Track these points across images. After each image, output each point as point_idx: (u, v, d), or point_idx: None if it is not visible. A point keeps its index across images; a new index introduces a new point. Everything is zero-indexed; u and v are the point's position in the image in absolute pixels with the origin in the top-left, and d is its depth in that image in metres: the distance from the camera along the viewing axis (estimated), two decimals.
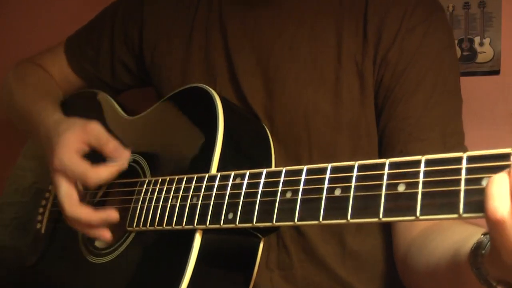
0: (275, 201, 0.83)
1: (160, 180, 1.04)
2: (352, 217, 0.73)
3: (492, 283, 0.68)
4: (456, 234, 0.84)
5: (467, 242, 0.74)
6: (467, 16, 1.53)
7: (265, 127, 1.16)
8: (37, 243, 1.29)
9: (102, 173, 1.07)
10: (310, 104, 1.13)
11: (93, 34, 1.43)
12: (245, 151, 1.11)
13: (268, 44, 1.18)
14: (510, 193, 0.58)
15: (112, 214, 1.07)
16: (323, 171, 0.78)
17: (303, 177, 0.81)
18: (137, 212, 1.06)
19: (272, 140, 1.15)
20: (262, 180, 0.86)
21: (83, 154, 1.10)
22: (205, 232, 0.95)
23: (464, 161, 0.65)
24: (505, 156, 0.62)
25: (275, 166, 1.09)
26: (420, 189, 0.67)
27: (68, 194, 1.08)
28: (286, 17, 1.18)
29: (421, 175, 0.68)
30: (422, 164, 0.68)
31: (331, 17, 1.15)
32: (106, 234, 1.09)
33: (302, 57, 1.16)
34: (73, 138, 1.10)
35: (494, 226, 0.60)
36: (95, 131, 1.11)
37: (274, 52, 1.17)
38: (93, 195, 1.22)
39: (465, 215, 0.63)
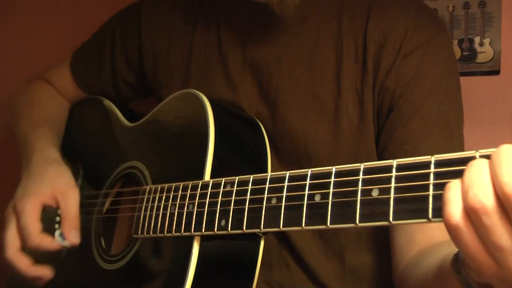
0: (261, 208, 0.84)
1: (159, 188, 1.06)
2: (331, 223, 0.74)
3: (473, 285, 0.68)
4: (446, 249, 0.83)
5: (453, 251, 0.74)
6: (467, 16, 1.52)
7: (262, 128, 1.17)
8: (56, 252, 1.32)
9: (43, 245, 1.12)
10: (310, 134, 1.13)
11: (95, 52, 1.45)
12: (239, 154, 1.12)
13: (268, 72, 1.18)
14: (462, 199, 0.58)
15: (46, 275, 1.14)
16: (304, 177, 0.79)
17: (286, 183, 0.82)
18: (141, 220, 1.08)
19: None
20: (250, 187, 0.88)
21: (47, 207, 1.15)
22: (204, 236, 0.97)
23: (432, 165, 0.65)
24: (471, 159, 0.61)
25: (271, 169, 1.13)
26: (392, 195, 0.68)
27: (12, 239, 1.13)
28: (285, 44, 1.17)
29: (393, 180, 0.68)
30: (394, 169, 0.69)
31: (330, 44, 1.14)
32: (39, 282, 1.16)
33: (302, 85, 1.15)
34: (48, 194, 1.15)
35: (451, 232, 0.60)
36: (70, 200, 1.16)
37: (273, 79, 1.17)
38: (102, 204, 1.25)
39: (434, 219, 0.64)
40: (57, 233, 1.14)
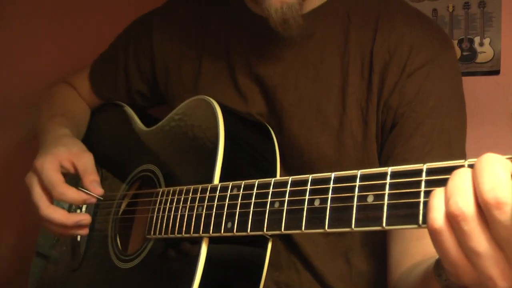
0: (265, 211, 0.88)
1: (171, 191, 1.10)
2: (329, 227, 0.77)
3: None
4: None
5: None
6: (467, 16, 1.52)
7: (271, 133, 1.20)
8: (75, 249, 1.36)
9: (68, 194, 1.15)
10: (314, 149, 1.15)
11: (110, 65, 1.49)
12: (248, 159, 1.15)
13: (273, 85, 1.20)
14: (444, 206, 0.61)
15: (85, 218, 1.16)
16: (305, 182, 0.83)
17: (288, 188, 0.85)
18: (154, 221, 1.12)
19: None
20: (255, 191, 0.91)
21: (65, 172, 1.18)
22: (212, 238, 1.00)
23: (424, 173, 0.68)
24: (460, 168, 0.64)
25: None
26: (386, 201, 0.71)
27: (42, 198, 1.16)
28: (291, 58, 1.19)
29: (387, 187, 0.71)
30: (388, 176, 0.72)
31: (336, 59, 1.16)
32: (83, 231, 1.18)
33: (307, 99, 1.17)
34: (65, 154, 1.18)
35: (433, 236, 0.63)
36: (86, 159, 1.19)
37: (278, 92, 1.19)
38: (118, 205, 1.29)
39: (423, 225, 0.66)
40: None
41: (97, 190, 1.17)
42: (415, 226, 0.68)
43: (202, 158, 1.10)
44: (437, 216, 0.62)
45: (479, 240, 0.60)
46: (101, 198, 1.18)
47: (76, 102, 1.53)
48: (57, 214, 1.14)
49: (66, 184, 1.15)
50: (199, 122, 1.16)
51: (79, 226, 1.16)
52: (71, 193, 1.15)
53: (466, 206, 0.60)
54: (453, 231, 0.62)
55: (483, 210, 0.59)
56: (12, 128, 1.99)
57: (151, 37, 1.39)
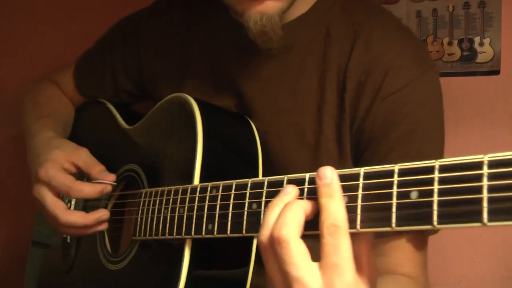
0: (243, 213, 0.86)
1: (154, 192, 1.09)
2: (305, 229, 0.74)
3: None
4: None
5: None
6: (467, 16, 1.52)
7: (253, 128, 1.17)
8: (66, 250, 1.35)
9: (85, 189, 1.13)
10: (289, 164, 1.14)
11: (96, 63, 1.47)
12: (229, 155, 1.14)
13: (252, 97, 1.18)
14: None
15: (104, 213, 1.16)
16: (281, 183, 0.81)
17: (265, 189, 0.83)
18: (138, 222, 1.11)
19: None
20: (233, 193, 0.89)
21: (69, 173, 1.16)
22: (195, 239, 0.99)
23: (396, 175, 0.67)
24: (431, 169, 0.64)
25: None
26: (359, 203, 0.70)
27: (56, 203, 1.14)
28: (271, 71, 1.17)
29: (361, 188, 0.70)
30: (361, 177, 0.71)
31: (314, 74, 1.13)
32: (102, 226, 1.17)
33: (284, 112, 1.15)
34: (62, 157, 1.16)
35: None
36: (83, 155, 1.18)
37: (256, 104, 1.18)
38: (105, 205, 1.28)
39: (397, 228, 0.66)
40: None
41: (109, 177, 1.17)
42: (389, 228, 0.67)
43: (182, 157, 1.09)
44: (263, 233, 0.74)
45: (266, 262, 0.74)
46: (115, 183, 1.19)
47: (61, 101, 1.51)
48: (77, 217, 1.14)
49: (79, 181, 1.15)
50: (177, 120, 1.15)
51: (99, 222, 1.16)
52: (88, 188, 1.14)
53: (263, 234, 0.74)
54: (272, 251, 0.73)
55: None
56: (5, 124, 1.99)
57: (139, 39, 1.36)
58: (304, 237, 0.72)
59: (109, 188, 1.17)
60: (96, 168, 1.17)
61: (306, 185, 0.78)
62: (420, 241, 1.10)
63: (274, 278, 0.73)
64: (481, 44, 1.51)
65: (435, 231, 1.07)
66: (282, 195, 0.76)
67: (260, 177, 1.13)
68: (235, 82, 1.20)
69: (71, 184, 1.13)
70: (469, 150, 1.52)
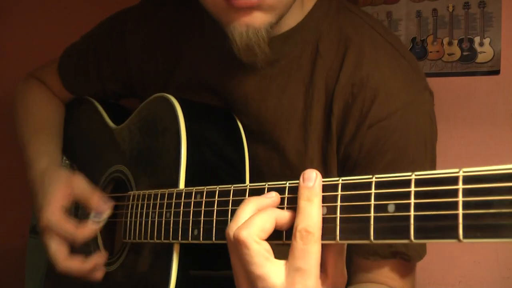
0: (227, 220, 0.85)
1: (141, 195, 1.08)
2: (287, 238, 0.75)
3: None
4: None
5: None
6: (467, 16, 1.50)
7: (237, 120, 1.15)
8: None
9: (88, 231, 1.13)
10: (275, 179, 1.11)
11: (81, 62, 1.43)
12: (214, 155, 1.12)
13: (236, 110, 1.15)
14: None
15: (99, 260, 1.15)
16: (262, 191, 0.80)
17: (247, 196, 0.82)
18: (128, 226, 1.11)
19: None
20: (216, 199, 0.88)
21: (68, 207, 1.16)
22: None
23: (373, 186, 0.66)
24: (408, 182, 0.63)
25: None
26: (338, 214, 0.69)
27: (58, 251, 1.14)
28: (254, 84, 1.12)
29: (339, 199, 0.69)
30: (339, 188, 0.70)
31: (300, 92, 1.09)
32: (97, 276, 1.17)
33: (267, 131, 1.11)
34: (58, 194, 1.15)
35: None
36: (80, 185, 1.16)
37: (238, 116, 1.15)
38: None
39: (375, 241, 0.65)
40: (91, 216, 1.16)
41: (108, 205, 1.16)
42: (367, 241, 0.66)
43: (166, 159, 1.08)
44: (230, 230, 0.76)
45: (233, 260, 0.78)
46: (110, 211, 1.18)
47: (52, 104, 1.48)
48: (74, 265, 1.14)
49: (81, 226, 1.14)
50: (160, 121, 1.13)
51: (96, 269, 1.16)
52: (90, 230, 1.14)
53: (231, 231, 0.75)
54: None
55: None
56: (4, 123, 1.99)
57: (125, 42, 1.33)
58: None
59: (109, 213, 1.16)
60: (93, 199, 1.15)
61: (286, 195, 0.77)
62: (406, 267, 1.06)
63: (238, 272, 0.76)
64: (481, 44, 1.50)
65: (420, 256, 1.05)
66: (262, 196, 0.78)
67: (247, 179, 1.13)
68: (220, 93, 1.17)
69: (75, 233, 1.13)
70: (469, 150, 1.51)
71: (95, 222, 1.15)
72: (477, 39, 1.50)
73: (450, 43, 1.53)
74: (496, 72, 1.48)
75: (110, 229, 1.28)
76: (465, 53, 1.52)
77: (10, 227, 2.05)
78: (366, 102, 1.02)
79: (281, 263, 0.72)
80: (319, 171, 1.03)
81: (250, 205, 0.76)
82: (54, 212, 1.14)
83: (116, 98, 1.47)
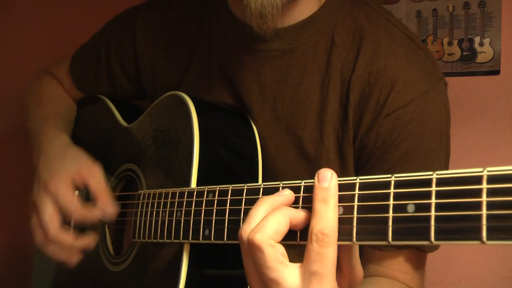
0: (239, 220, 0.85)
1: (152, 194, 1.08)
2: (301, 239, 0.75)
3: None
4: None
5: None
6: (467, 16, 1.51)
7: (254, 128, 1.15)
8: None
9: (89, 216, 1.13)
10: (289, 172, 1.11)
11: (92, 61, 1.43)
12: (226, 155, 1.12)
13: (249, 102, 1.15)
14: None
15: (92, 241, 1.16)
16: (276, 190, 0.79)
17: (261, 196, 0.82)
18: (137, 225, 1.10)
19: None
20: (229, 198, 0.88)
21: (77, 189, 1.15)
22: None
23: (392, 186, 0.66)
24: (428, 181, 0.62)
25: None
26: (355, 214, 0.68)
27: (53, 218, 1.12)
28: (269, 75, 1.13)
29: (356, 199, 0.69)
30: (357, 188, 0.69)
31: (316, 82, 1.09)
32: (74, 259, 1.16)
33: (284, 121, 1.11)
34: (76, 171, 1.15)
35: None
36: (97, 176, 1.16)
37: (254, 111, 1.15)
38: None
39: (393, 242, 0.64)
40: None
41: (112, 209, 1.15)
42: (385, 242, 0.66)
43: (179, 157, 1.07)
44: (244, 230, 0.75)
45: (245, 262, 0.76)
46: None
47: (64, 99, 1.49)
48: (65, 237, 1.12)
49: (82, 207, 1.13)
50: (173, 119, 1.13)
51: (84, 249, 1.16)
52: (91, 215, 1.13)
53: (244, 233, 0.74)
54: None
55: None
56: (4, 122, 1.98)
57: (135, 39, 1.33)
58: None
59: (108, 218, 1.16)
60: (104, 196, 1.15)
61: (302, 194, 0.76)
62: (419, 258, 1.08)
63: (251, 274, 0.75)
64: (481, 44, 1.51)
65: (435, 247, 1.05)
66: (275, 195, 0.76)
67: (260, 179, 1.13)
68: (235, 85, 1.17)
69: (74, 211, 1.12)
70: (469, 150, 1.52)
71: (95, 215, 1.14)
72: (477, 39, 1.51)
73: (450, 43, 1.54)
74: (496, 72, 1.49)
75: (119, 228, 1.29)
76: (465, 53, 1.53)
77: (10, 227, 2.05)
78: (383, 91, 1.03)
79: (296, 266, 0.71)
80: (335, 161, 1.07)
81: (264, 205, 0.75)
82: (66, 182, 1.13)
83: (127, 98, 1.47)
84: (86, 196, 1.17)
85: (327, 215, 0.68)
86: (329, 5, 1.10)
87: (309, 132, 1.10)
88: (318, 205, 0.70)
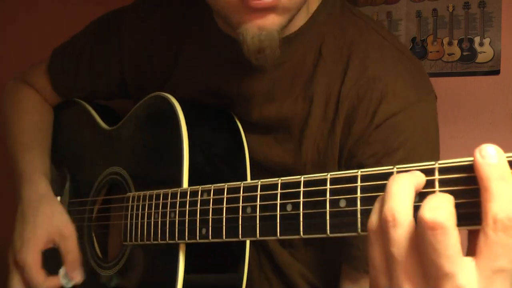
0: (238, 218, 0.84)
1: (142, 196, 1.06)
2: (304, 233, 0.74)
3: None
4: None
5: None
6: (467, 16, 1.50)
7: (236, 120, 1.14)
8: (54, 254, 1.30)
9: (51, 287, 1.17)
10: (281, 174, 1.10)
11: (73, 60, 1.39)
12: (216, 157, 1.11)
13: (236, 113, 1.14)
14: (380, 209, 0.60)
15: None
16: (275, 187, 0.79)
17: (259, 193, 0.81)
18: (128, 228, 1.09)
19: None
20: (225, 196, 0.87)
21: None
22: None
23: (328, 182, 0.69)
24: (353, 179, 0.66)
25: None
26: (359, 206, 0.68)
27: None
28: (255, 85, 1.10)
29: (359, 191, 0.68)
30: (359, 180, 0.69)
31: (301, 95, 1.07)
32: None
33: (271, 131, 1.11)
34: (45, 238, 1.18)
35: (368, 238, 0.62)
36: (68, 241, 1.19)
37: (241, 118, 1.14)
38: (90, 211, 1.26)
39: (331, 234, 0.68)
40: (61, 272, 1.19)
41: (78, 278, 1.20)
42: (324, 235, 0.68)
43: (168, 158, 1.06)
44: (373, 219, 0.61)
45: (401, 248, 0.58)
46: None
47: (42, 111, 1.44)
48: None
49: (48, 280, 1.18)
50: (159, 119, 1.11)
51: None
52: (56, 285, 1.18)
53: (398, 213, 0.58)
54: (381, 235, 0.60)
55: (417, 225, 0.56)
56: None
57: (120, 44, 1.29)
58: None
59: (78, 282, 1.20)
60: (72, 264, 1.19)
61: (302, 188, 0.75)
62: None
63: (377, 265, 0.61)
64: (481, 44, 1.50)
65: None
66: (416, 174, 0.63)
67: (248, 176, 1.12)
68: (221, 96, 1.15)
69: (39, 283, 1.17)
70: (469, 150, 1.49)
71: (64, 282, 1.18)
72: (477, 39, 1.50)
73: (450, 43, 1.53)
74: (496, 72, 1.48)
75: (103, 232, 1.28)
76: (465, 53, 1.51)
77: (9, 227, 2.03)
78: (373, 102, 1.01)
79: (470, 259, 0.56)
80: (313, 174, 1.04)
81: (409, 182, 0.60)
82: (33, 253, 1.16)
83: (107, 99, 1.44)
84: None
85: (511, 196, 0.55)
86: (317, 17, 1.08)
87: (289, 146, 1.09)
88: (496, 185, 0.55)
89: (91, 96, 1.41)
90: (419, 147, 1.02)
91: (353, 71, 1.03)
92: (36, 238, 1.17)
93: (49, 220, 1.20)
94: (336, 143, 1.04)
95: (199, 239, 0.91)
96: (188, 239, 0.93)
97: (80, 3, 1.93)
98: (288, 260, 1.14)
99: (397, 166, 0.64)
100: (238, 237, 0.85)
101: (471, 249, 0.58)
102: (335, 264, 1.10)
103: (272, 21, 0.91)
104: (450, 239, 0.54)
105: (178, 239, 0.96)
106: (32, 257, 1.15)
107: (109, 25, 1.33)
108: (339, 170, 1.03)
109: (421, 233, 0.56)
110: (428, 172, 0.62)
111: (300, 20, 1.06)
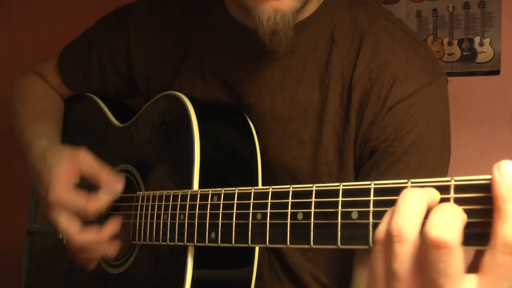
0: (247, 224, 0.84)
1: (151, 196, 1.06)
2: (315, 243, 0.74)
3: None
4: None
5: None
6: (467, 16, 1.51)
7: (249, 121, 1.14)
8: (62, 251, 1.31)
9: (101, 203, 1.09)
10: (288, 172, 1.11)
11: (82, 59, 1.40)
12: (227, 158, 1.11)
13: (249, 102, 1.14)
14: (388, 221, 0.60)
15: (116, 224, 1.12)
16: (286, 195, 0.79)
17: (269, 200, 0.81)
18: (137, 227, 1.09)
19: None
20: (235, 202, 0.87)
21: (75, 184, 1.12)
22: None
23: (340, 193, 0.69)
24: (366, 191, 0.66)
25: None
26: (371, 220, 0.68)
27: (71, 226, 1.09)
28: (268, 76, 1.12)
29: (372, 204, 0.68)
30: (372, 193, 0.69)
31: (316, 82, 1.08)
32: (112, 249, 1.12)
33: (283, 121, 1.11)
34: (64, 171, 1.11)
35: (373, 248, 0.62)
36: (86, 161, 1.13)
37: (254, 111, 1.14)
38: None
39: (342, 246, 0.67)
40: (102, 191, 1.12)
41: (117, 180, 1.12)
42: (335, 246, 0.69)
43: (178, 158, 1.06)
44: (381, 230, 0.60)
45: (403, 265, 0.58)
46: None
47: (51, 98, 1.45)
48: (90, 236, 1.10)
49: (92, 198, 1.10)
50: (171, 119, 1.11)
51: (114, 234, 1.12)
52: (102, 201, 1.10)
53: (405, 228, 0.57)
54: (385, 247, 0.59)
55: (422, 241, 0.56)
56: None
57: (128, 39, 1.30)
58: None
59: (120, 189, 1.12)
60: (103, 175, 1.12)
61: (313, 198, 0.76)
62: None
63: (378, 279, 0.61)
64: (481, 44, 1.51)
65: None
66: (430, 190, 0.61)
67: (260, 180, 1.12)
68: (232, 86, 1.16)
69: (87, 205, 1.09)
70: (469, 150, 1.52)
71: (107, 194, 1.11)
72: (477, 39, 1.51)
73: (450, 43, 1.54)
74: (496, 72, 1.50)
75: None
76: (465, 53, 1.53)
77: (9, 227, 2.03)
78: (385, 86, 1.03)
79: (473, 278, 0.55)
80: (334, 162, 1.06)
81: (420, 197, 0.59)
82: (62, 187, 1.10)
83: (118, 97, 1.45)
84: (88, 184, 1.15)
85: None
86: (328, 4, 1.10)
87: (308, 133, 1.09)
88: (511, 206, 0.54)
89: (102, 91, 1.41)
90: (430, 129, 1.03)
91: (365, 56, 1.05)
92: (57, 174, 1.11)
93: (59, 157, 1.15)
94: (352, 129, 1.05)
95: (208, 242, 0.92)
96: (197, 242, 0.94)
97: (80, 3, 1.93)
98: (300, 261, 1.15)
99: (412, 180, 0.64)
100: (247, 243, 0.85)
101: (474, 264, 0.57)
102: (347, 266, 1.10)
103: (288, 4, 0.94)
104: (453, 259, 0.54)
105: (187, 242, 0.96)
106: (63, 189, 1.09)
107: (118, 21, 1.35)
108: (354, 157, 1.07)
109: (424, 250, 0.55)
110: (443, 189, 0.61)
111: (312, 8, 1.08)
